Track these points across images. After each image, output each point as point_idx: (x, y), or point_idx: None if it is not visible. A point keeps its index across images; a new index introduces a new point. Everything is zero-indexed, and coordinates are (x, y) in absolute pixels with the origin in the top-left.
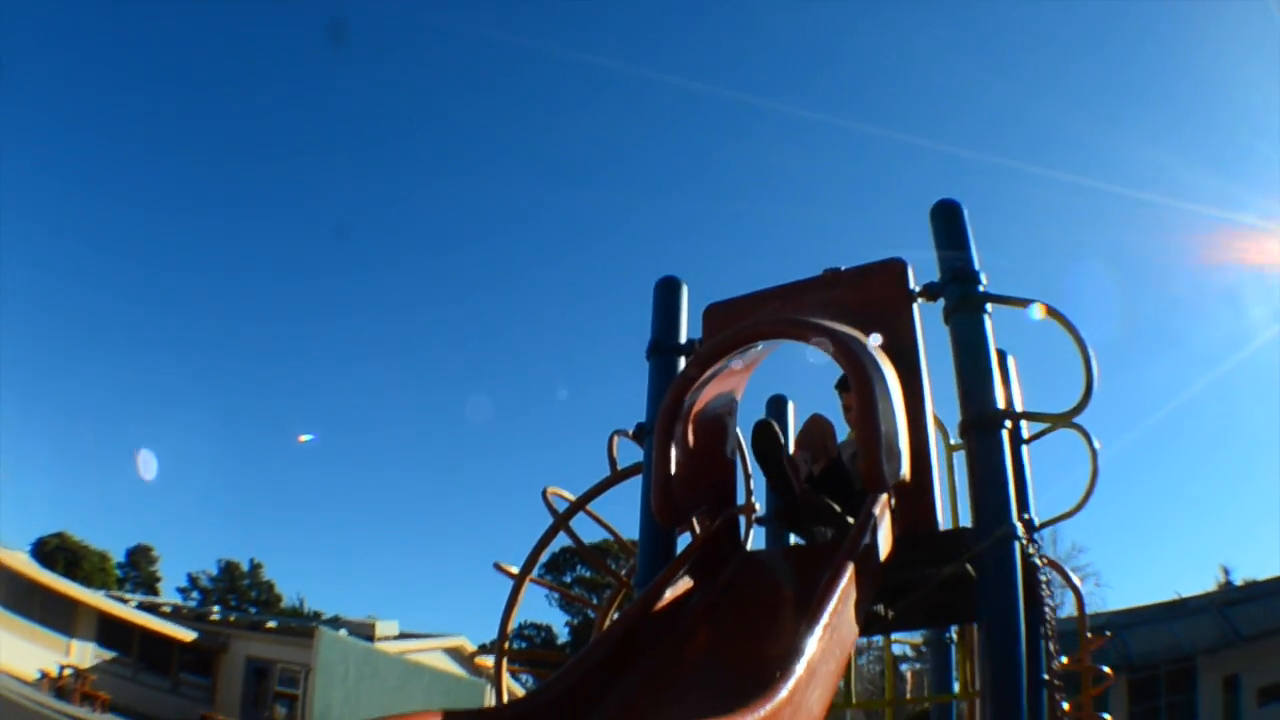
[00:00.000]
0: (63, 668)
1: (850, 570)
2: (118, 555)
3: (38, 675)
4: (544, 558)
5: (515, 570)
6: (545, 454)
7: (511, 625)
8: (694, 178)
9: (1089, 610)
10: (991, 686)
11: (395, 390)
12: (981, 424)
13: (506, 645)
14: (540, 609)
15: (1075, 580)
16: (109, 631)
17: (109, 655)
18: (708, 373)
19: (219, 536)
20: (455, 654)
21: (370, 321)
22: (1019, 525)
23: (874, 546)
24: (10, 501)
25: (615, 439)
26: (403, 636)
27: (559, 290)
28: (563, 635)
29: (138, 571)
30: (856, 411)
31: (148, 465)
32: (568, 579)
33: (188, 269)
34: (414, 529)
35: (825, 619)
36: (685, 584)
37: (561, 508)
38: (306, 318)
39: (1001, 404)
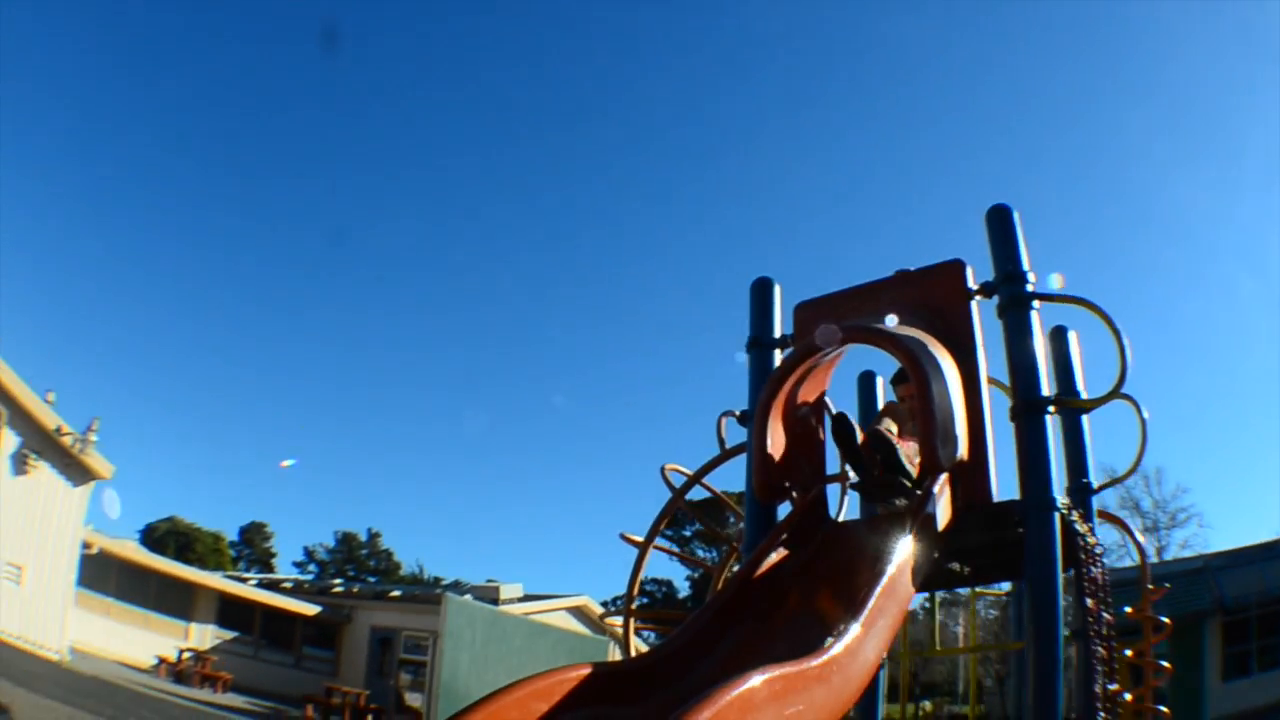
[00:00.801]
0: (181, 652)
1: (908, 543)
2: (230, 535)
3: (154, 662)
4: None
5: (639, 539)
6: (657, 429)
7: (637, 588)
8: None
9: (1191, 551)
10: (1034, 637)
11: (507, 367)
12: (1028, 409)
13: (633, 606)
14: (663, 566)
15: (1139, 536)
16: (228, 612)
17: (229, 635)
18: (798, 370)
19: (332, 509)
20: (578, 613)
21: (485, 306)
22: (1059, 498)
23: (931, 518)
24: (123, 489)
25: (724, 420)
26: (527, 598)
27: (676, 284)
28: (683, 589)
29: (252, 549)
30: (916, 407)
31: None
32: (688, 533)
33: (305, 246)
34: (527, 496)
35: (883, 583)
36: (782, 551)
37: (678, 482)
38: (419, 301)
39: (1047, 389)
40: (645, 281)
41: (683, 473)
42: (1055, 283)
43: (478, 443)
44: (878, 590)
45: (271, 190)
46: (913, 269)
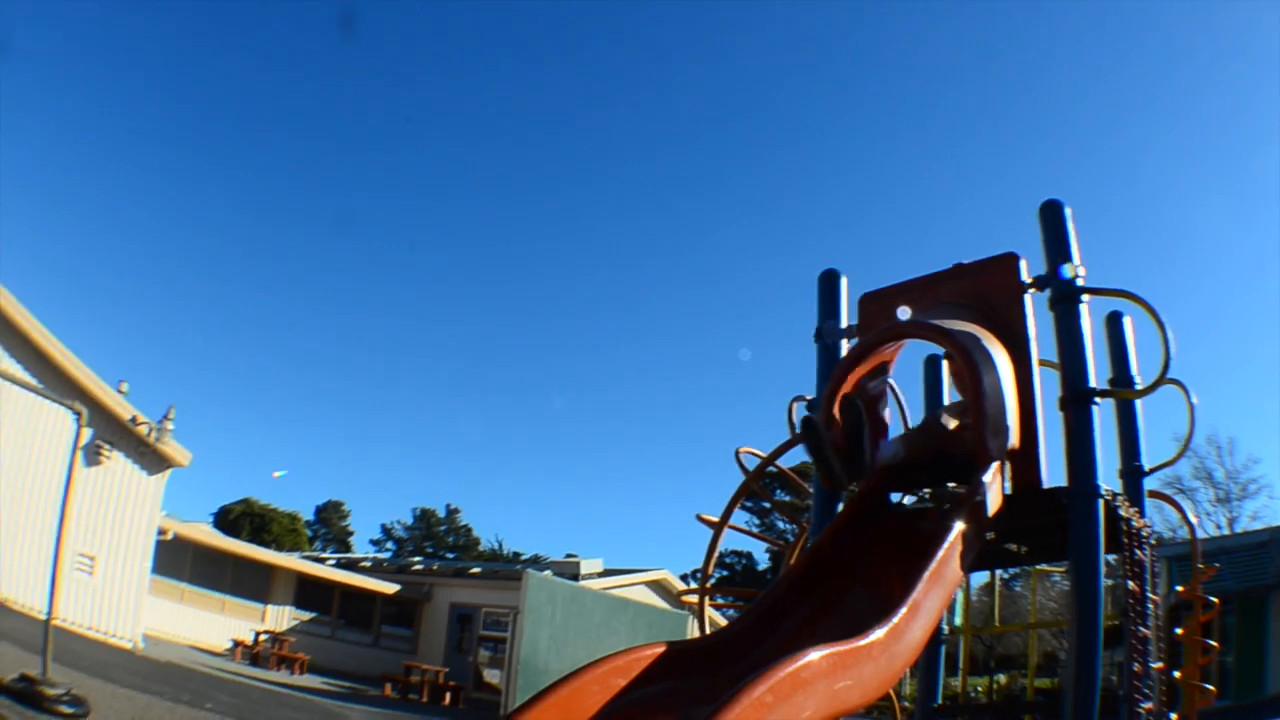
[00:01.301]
0: (258, 634)
1: (958, 528)
2: (307, 515)
3: (229, 645)
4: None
5: (714, 519)
6: (734, 409)
7: (712, 567)
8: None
9: (1261, 524)
10: (1075, 617)
11: (588, 342)
12: (1075, 400)
13: (708, 585)
14: (743, 539)
15: (1191, 517)
16: (305, 593)
17: (306, 616)
18: (864, 360)
19: (410, 487)
20: (657, 587)
21: (564, 279)
22: (1102, 485)
23: (981, 505)
24: (194, 473)
25: (794, 405)
26: (607, 573)
27: (754, 267)
28: (762, 561)
29: (328, 529)
30: (968, 399)
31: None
32: (767, 505)
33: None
34: (607, 470)
35: (932, 567)
36: (846, 535)
37: (750, 464)
38: (496, 275)
39: (1096, 379)
40: (724, 264)
41: (756, 455)
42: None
43: (557, 417)
44: (925, 575)
45: (338, 164)
46: (968, 262)
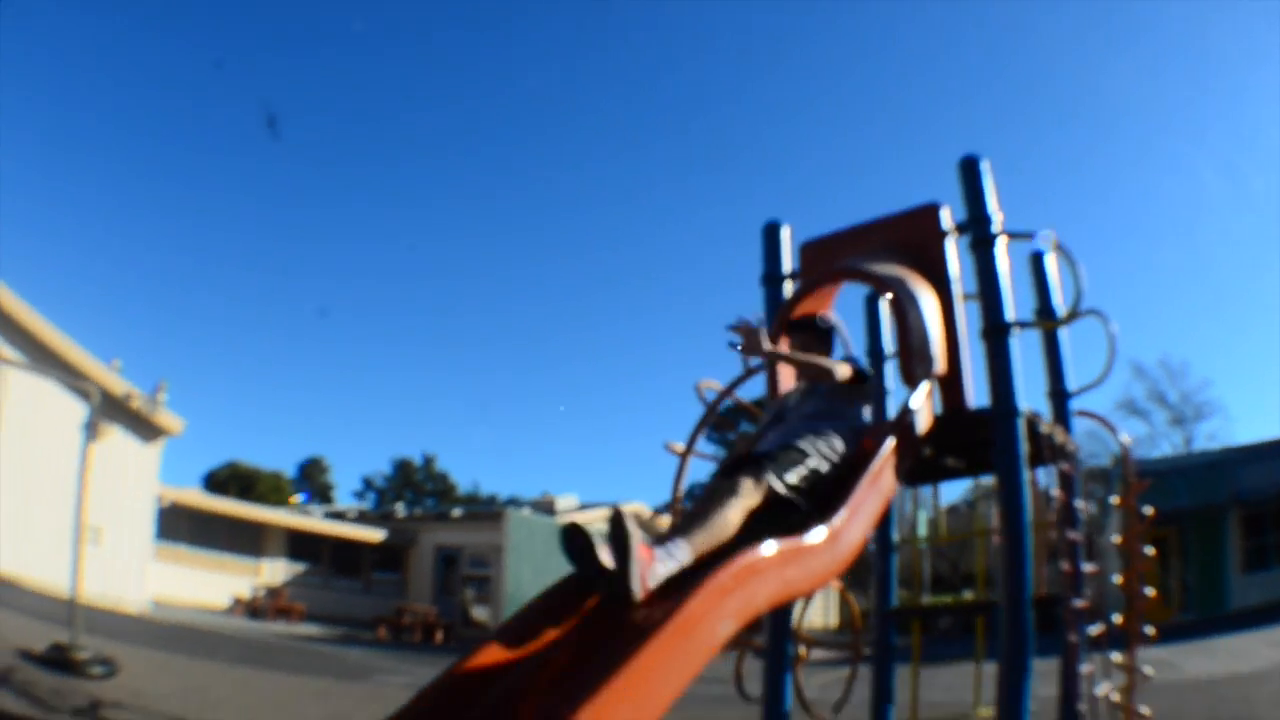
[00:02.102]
0: (255, 589)
1: (890, 443)
2: (290, 473)
3: (229, 602)
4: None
5: (681, 447)
6: (695, 340)
7: (681, 491)
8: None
9: (1217, 444)
10: (1003, 525)
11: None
12: (994, 332)
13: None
14: (706, 471)
15: (1124, 438)
16: (297, 546)
17: (300, 568)
18: (803, 300)
19: (387, 438)
20: (633, 519)
21: (524, 229)
22: (1022, 406)
23: (910, 425)
24: (179, 440)
25: (701, 387)
26: (583, 508)
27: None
28: None
29: (310, 484)
30: (897, 332)
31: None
32: (731, 437)
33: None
34: (577, 408)
35: (867, 477)
36: None
37: (709, 397)
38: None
39: (1011, 313)
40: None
41: (714, 387)
42: (1043, 243)
43: (522, 358)
44: (861, 483)
45: (305, 127)
46: (895, 212)
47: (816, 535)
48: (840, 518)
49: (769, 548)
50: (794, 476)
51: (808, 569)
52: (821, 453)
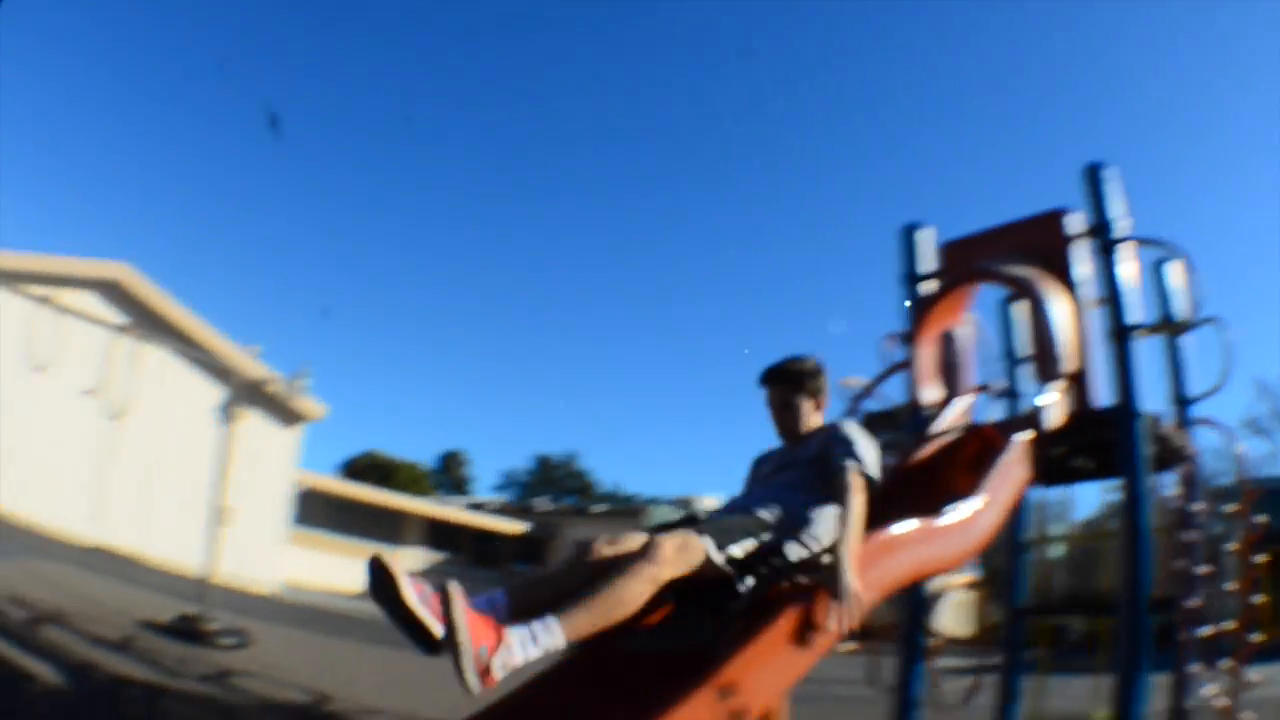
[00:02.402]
0: None
1: (1022, 438)
2: (428, 464)
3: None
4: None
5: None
6: (834, 347)
7: None
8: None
9: None
10: (1124, 525)
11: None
12: (1118, 334)
13: None
14: None
15: (1240, 447)
16: (437, 535)
17: (439, 557)
18: (942, 300)
19: (529, 434)
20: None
21: (679, 226)
22: (1142, 408)
23: (1041, 421)
24: (319, 427)
25: (887, 341)
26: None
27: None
28: None
29: (449, 477)
30: (1032, 332)
31: None
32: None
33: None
34: (717, 411)
35: (999, 467)
36: (935, 445)
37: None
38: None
39: (1138, 318)
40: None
41: (858, 384)
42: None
43: (670, 361)
44: (994, 474)
45: (463, 120)
46: (1026, 217)
47: (951, 516)
48: (973, 505)
49: (909, 524)
50: (738, 549)
51: (944, 548)
52: (788, 530)
